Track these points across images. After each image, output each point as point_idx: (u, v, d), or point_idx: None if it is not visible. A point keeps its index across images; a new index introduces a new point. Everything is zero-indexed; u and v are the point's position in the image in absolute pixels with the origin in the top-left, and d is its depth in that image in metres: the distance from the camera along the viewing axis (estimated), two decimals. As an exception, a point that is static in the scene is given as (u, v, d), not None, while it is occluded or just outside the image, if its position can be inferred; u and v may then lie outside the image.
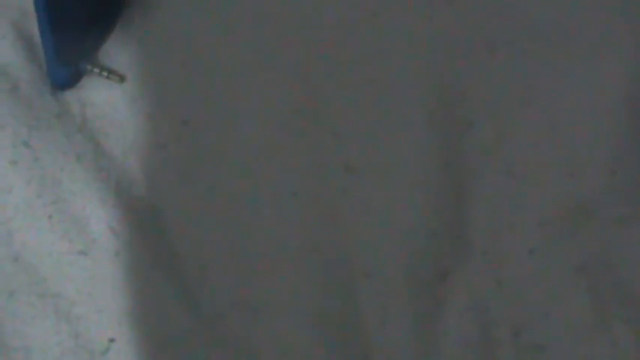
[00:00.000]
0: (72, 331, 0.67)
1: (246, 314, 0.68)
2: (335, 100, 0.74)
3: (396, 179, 0.72)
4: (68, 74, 0.74)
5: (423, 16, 0.76)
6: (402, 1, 0.77)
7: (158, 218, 0.71)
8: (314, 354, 0.67)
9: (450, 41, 0.76)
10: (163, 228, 0.70)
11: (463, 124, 0.73)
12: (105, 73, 0.74)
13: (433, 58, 0.75)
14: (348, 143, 0.73)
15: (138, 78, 0.75)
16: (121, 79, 0.74)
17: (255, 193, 0.72)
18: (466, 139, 0.73)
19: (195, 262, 0.70)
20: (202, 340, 0.68)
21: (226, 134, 0.73)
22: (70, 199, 0.71)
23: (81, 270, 0.69)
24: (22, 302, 0.68)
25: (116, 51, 0.76)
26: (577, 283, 0.68)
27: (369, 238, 0.70)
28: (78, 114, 0.74)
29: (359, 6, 0.77)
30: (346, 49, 0.76)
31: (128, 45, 0.76)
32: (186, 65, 0.75)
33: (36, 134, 0.72)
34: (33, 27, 0.74)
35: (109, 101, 0.74)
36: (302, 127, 0.74)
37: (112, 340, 0.67)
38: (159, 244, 0.70)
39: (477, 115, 0.73)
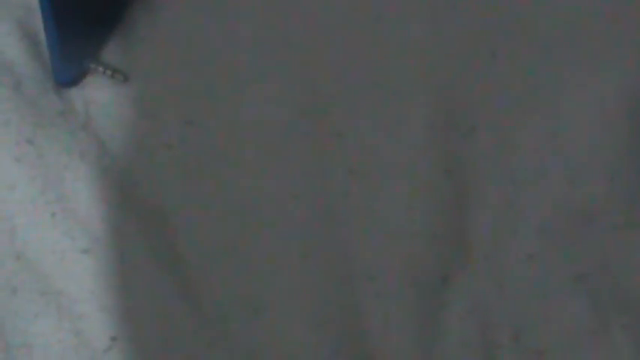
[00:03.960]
0: (74, 328, 0.67)
1: (249, 315, 0.69)
2: (338, 102, 0.75)
3: (398, 183, 0.72)
4: (72, 72, 0.74)
5: (426, 22, 0.77)
6: (406, 7, 0.77)
7: (161, 218, 0.71)
8: (316, 356, 0.68)
9: (452, 47, 0.76)
10: (166, 228, 0.71)
11: (465, 130, 0.74)
12: (109, 72, 0.74)
13: (436, 64, 0.76)
14: (351, 146, 0.73)
15: (142, 77, 0.75)
16: (125, 77, 0.75)
17: (257, 194, 0.72)
18: (468, 144, 0.73)
19: (198, 261, 0.70)
20: (204, 340, 0.68)
21: (229, 135, 0.74)
22: (73, 198, 0.71)
23: (84, 268, 0.69)
24: (24, 300, 0.68)
25: (120, 50, 0.76)
26: (576, 289, 0.69)
27: (371, 241, 0.71)
28: (82, 112, 0.74)
29: (363, 10, 0.77)
30: (350, 52, 0.76)
31: (132, 44, 0.76)
32: (191, 65, 0.76)
33: (40, 132, 0.72)
34: (38, 24, 0.75)
35: (113, 100, 0.74)
36: (305, 129, 0.74)
37: (114, 339, 0.67)
38: (162, 244, 0.70)
39: (478, 120, 0.74)
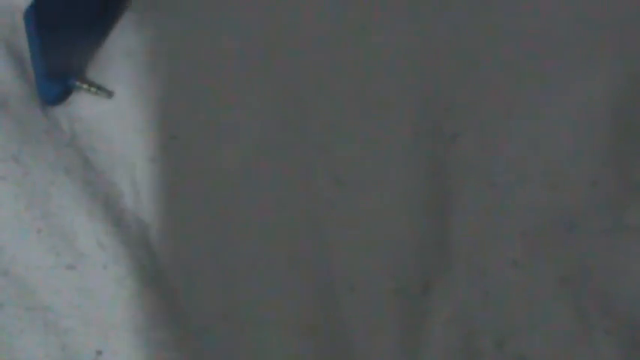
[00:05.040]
0: (60, 343, 0.68)
1: (234, 326, 0.69)
2: (323, 113, 0.75)
3: (383, 191, 0.72)
4: (57, 90, 0.75)
5: (409, 31, 0.77)
6: (389, 16, 0.78)
7: (146, 232, 0.71)
8: (299, 365, 0.68)
9: (435, 54, 0.76)
10: (151, 241, 0.71)
11: (448, 137, 0.74)
12: (94, 89, 0.75)
13: (419, 72, 0.76)
14: (335, 156, 0.74)
15: (126, 93, 0.76)
16: (110, 94, 0.75)
17: (242, 206, 0.72)
18: (451, 151, 0.73)
19: (183, 274, 0.70)
20: (189, 353, 0.68)
21: (214, 148, 0.74)
22: (58, 214, 0.71)
23: (69, 283, 0.70)
24: (11, 315, 0.69)
25: (105, 66, 0.77)
26: (560, 294, 0.68)
27: (355, 250, 0.71)
28: (67, 129, 0.75)
29: (346, 20, 0.78)
30: (334, 62, 0.76)
31: (117, 60, 0.77)
32: (175, 80, 0.76)
33: (25, 149, 0.73)
34: (23, 43, 0.76)
35: (98, 116, 0.75)
36: (289, 140, 0.74)
37: (99, 353, 0.68)
38: (146, 258, 0.71)
39: (461, 127, 0.74)
